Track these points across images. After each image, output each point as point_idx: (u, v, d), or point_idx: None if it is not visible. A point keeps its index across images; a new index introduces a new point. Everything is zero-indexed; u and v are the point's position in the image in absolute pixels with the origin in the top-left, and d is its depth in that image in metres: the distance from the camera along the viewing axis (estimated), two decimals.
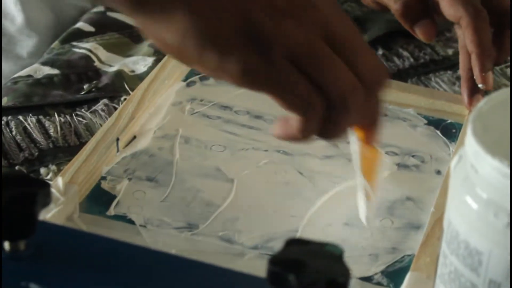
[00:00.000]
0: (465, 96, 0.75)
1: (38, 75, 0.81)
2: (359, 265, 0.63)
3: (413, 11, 0.77)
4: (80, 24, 0.89)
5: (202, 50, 0.52)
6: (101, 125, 0.74)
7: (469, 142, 0.47)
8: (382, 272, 0.62)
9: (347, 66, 0.53)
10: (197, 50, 0.52)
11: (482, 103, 0.49)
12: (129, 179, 0.69)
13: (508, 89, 0.50)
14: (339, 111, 0.54)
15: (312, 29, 0.52)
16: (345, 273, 0.45)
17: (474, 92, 0.75)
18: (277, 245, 0.62)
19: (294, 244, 0.45)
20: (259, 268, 0.48)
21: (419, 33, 0.78)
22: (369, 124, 0.58)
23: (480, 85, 0.74)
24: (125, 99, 0.78)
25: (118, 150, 0.71)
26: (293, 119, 0.54)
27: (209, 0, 0.52)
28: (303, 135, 0.55)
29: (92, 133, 0.74)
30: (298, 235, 0.64)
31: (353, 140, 0.62)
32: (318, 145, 0.73)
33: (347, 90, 0.53)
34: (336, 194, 0.68)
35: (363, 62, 0.54)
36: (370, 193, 0.64)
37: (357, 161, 0.63)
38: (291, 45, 0.51)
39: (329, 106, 0.53)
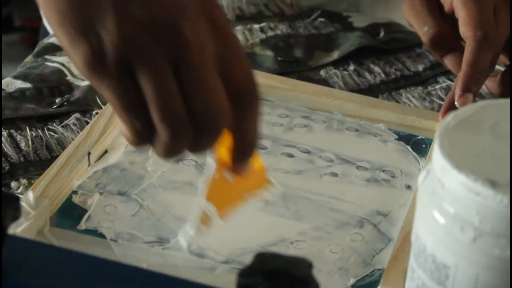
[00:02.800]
0: (443, 108, 0.76)
1: (10, 89, 0.81)
2: (330, 279, 0.63)
3: (442, 44, 0.79)
4: (54, 39, 0.89)
5: (59, 27, 0.52)
6: (72, 139, 0.74)
7: (436, 157, 0.48)
8: (352, 286, 0.63)
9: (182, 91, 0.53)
10: (56, 24, 0.52)
11: (449, 118, 0.50)
12: (100, 193, 0.69)
13: (474, 105, 0.51)
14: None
15: (160, 49, 0.52)
16: (314, 286, 0.45)
17: (453, 107, 0.75)
18: (248, 260, 0.62)
19: (264, 257, 0.46)
20: (230, 282, 0.49)
21: (448, 65, 0.80)
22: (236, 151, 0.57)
23: (456, 103, 0.74)
24: (97, 113, 0.78)
25: (89, 164, 0.71)
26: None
27: None
28: (132, 142, 0.54)
29: (63, 147, 0.74)
30: (269, 249, 0.64)
31: (211, 161, 0.59)
32: (290, 160, 0.73)
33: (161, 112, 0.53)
34: (307, 208, 0.69)
35: (199, 100, 0.53)
36: (209, 219, 0.60)
37: (206, 183, 0.60)
38: (133, 55, 0.51)
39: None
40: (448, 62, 0.79)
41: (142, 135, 0.53)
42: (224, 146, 0.58)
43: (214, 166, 0.59)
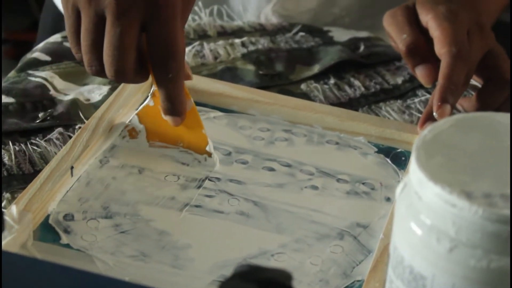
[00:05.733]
0: (421, 119, 0.77)
1: None
2: None
3: (417, 53, 0.80)
4: (37, 54, 0.89)
5: None
6: (55, 154, 0.75)
7: (413, 169, 0.49)
8: None
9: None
10: None
11: (426, 131, 0.51)
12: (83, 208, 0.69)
13: (450, 118, 0.52)
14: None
15: (95, 5, 0.68)
16: None
17: (431, 118, 0.77)
18: (229, 273, 0.63)
19: (245, 270, 0.46)
20: None
21: (418, 76, 0.81)
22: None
23: (434, 114, 0.76)
24: (79, 127, 0.79)
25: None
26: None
27: None
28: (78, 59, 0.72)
29: (46, 162, 0.75)
30: (250, 262, 0.65)
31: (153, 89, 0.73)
32: (271, 173, 0.74)
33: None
34: (288, 221, 0.69)
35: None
36: (136, 133, 0.75)
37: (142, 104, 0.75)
38: (80, 4, 0.69)
39: None
40: (419, 72, 0.80)
41: (80, 58, 0.71)
42: None
43: (151, 94, 0.74)
